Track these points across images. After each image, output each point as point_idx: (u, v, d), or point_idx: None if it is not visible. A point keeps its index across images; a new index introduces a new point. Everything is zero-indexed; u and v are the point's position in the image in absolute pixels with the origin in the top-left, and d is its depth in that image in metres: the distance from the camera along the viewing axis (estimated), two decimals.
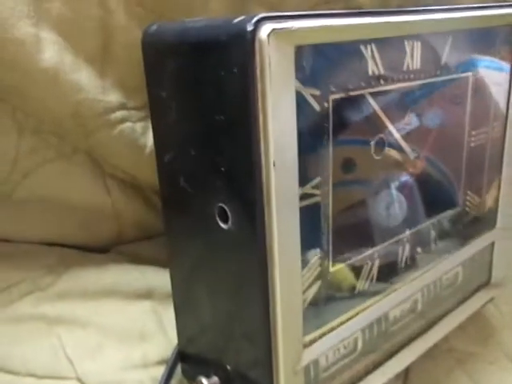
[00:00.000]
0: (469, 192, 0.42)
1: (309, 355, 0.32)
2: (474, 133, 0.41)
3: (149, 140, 0.47)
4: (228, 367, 0.34)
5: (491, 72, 0.40)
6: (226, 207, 0.29)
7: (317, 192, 0.30)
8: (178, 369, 0.40)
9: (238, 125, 0.27)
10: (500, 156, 0.44)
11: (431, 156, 0.38)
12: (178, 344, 0.39)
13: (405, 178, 0.36)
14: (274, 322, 0.29)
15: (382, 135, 0.33)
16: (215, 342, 0.35)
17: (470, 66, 0.38)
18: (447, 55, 0.36)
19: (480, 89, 0.40)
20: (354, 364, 0.37)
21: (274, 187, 0.26)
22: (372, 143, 0.33)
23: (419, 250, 0.39)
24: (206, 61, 0.28)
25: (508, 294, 0.49)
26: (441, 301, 0.43)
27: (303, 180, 0.28)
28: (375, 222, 0.35)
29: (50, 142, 0.46)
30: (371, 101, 0.32)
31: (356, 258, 0.34)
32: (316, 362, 0.33)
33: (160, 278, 0.47)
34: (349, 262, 0.34)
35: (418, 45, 0.33)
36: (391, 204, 0.36)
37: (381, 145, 0.33)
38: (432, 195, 0.39)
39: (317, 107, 0.28)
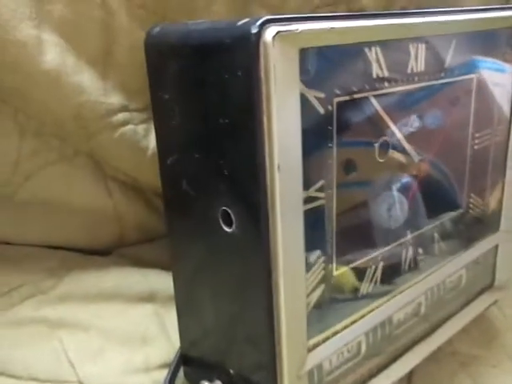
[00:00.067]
0: (472, 195, 0.42)
1: (313, 359, 0.32)
2: (477, 135, 0.40)
3: (151, 142, 0.47)
4: (231, 371, 0.34)
5: (495, 74, 0.40)
6: (229, 211, 0.29)
7: (321, 195, 0.30)
8: (181, 372, 0.39)
9: (242, 128, 0.27)
10: (504, 158, 0.43)
11: (435, 158, 0.37)
12: (181, 347, 0.39)
13: (409, 180, 0.36)
14: (278, 326, 0.29)
15: (386, 138, 0.33)
16: (218, 346, 0.35)
17: (473, 68, 0.38)
18: (451, 57, 0.36)
19: (483, 91, 0.40)
20: (358, 368, 0.36)
21: (279, 190, 0.26)
22: (376, 146, 0.33)
23: (423, 252, 0.39)
24: (209, 63, 0.28)
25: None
26: (444, 304, 0.43)
27: (307, 183, 0.28)
28: (378, 225, 0.35)
29: (52, 145, 0.46)
30: (375, 103, 0.31)
31: (360, 261, 0.34)
32: (320, 366, 0.33)
33: (162, 281, 0.47)
34: (352, 265, 0.33)
35: (422, 47, 0.33)
36: (395, 207, 0.36)
37: (385, 147, 0.33)
38: (436, 198, 0.39)
39: (321, 110, 0.28)
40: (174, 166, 0.33)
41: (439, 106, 0.37)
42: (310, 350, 0.31)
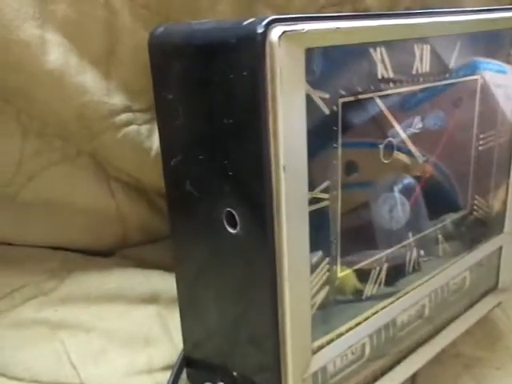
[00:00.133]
0: (477, 196, 0.42)
1: (317, 362, 0.31)
2: (482, 136, 0.40)
3: (154, 143, 0.47)
4: (234, 373, 0.33)
5: (499, 75, 0.40)
6: (234, 212, 0.29)
7: (325, 196, 0.29)
8: (184, 374, 0.39)
9: (247, 128, 0.26)
10: (508, 159, 0.43)
11: (439, 160, 0.37)
12: (184, 349, 0.39)
13: (411, 181, 0.36)
14: (283, 328, 0.29)
15: (390, 139, 0.33)
16: (221, 348, 0.35)
17: (478, 68, 0.38)
18: (456, 58, 0.35)
19: (488, 92, 0.40)
20: (362, 370, 0.36)
21: (284, 191, 0.26)
22: (381, 147, 0.32)
23: (427, 254, 0.38)
24: (214, 63, 0.28)
25: None
26: (448, 306, 0.43)
27: (312, 184, 0.28)
28: (382, 227, 0.35)
29: (55, 145, 0.46)
30: (380, 104, 0.31)
31: (364, 263, 0.34)
32: (324, 369, 0.33)
33: (165, 282, 0.47)
34: (357, 266, 0.33)
35: (427, 48, 0.33)
36: (398, 208, 0.35)
37: (390, 148, 0.33)
38: (439, 199, 0.39)
39: (326, 110, 0.28)
40: (178, 166, 0.33)
41: (444, 107, 0.36)
42: (314, 352, 0.31)
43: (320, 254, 0.30)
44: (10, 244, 0.50)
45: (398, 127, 0.33)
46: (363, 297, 0.34)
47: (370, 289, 0.34)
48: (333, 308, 0.32)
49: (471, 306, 0.45)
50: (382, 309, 0.35)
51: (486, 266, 0.46)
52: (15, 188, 0.46)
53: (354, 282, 0.34)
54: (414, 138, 0.34)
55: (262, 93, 0.25)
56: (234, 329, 0.33)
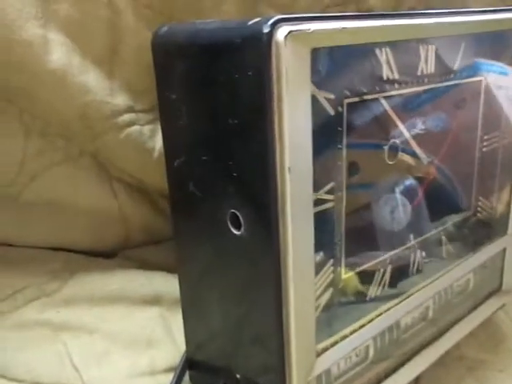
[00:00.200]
0: (480, 197, 0.42)
1: (321, 364, 0.31)
2: (486, 137, 0.40)
3: (157, 143, 0.46)
4: (237, 375, 0.33)
5: (501, 77, 0.40)
6: (238, 213, 0.29)
7: (330, 197, 0.29)
8: (186, 376, 0.39)
9: (252, 128, 0.26)
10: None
11: (444, 161, 0.37)
12: (187, 351, 0.38)
13: (415, 183, 0.36)
14: (288, 330, 0.28)
15: (395, 140, 0.33)
16: (224, 350, 0.34)
17: (482, 69, 0.38)
18: (461, 59, 0.35)
19: (492, 93, 0.39)
20: (366, 372, 0.36)
21: (289, 193, 0.26)
22: (386, 148, 0.32)
23: (430, 256, 0.38)
24: (218, 63, 0.27)
25: None
26: (452, 308, 0.42)
27: (316, 185, 0.28)
28: (387, 228, 0.35)
29: (57, 145, 0.46)
30: (385, 105, 0.31)
31: (368, 265, 0.34)
32: (328, 371, 0.33)
33: (168, 284, 0.47)
34: (361, 268, 0.33)
35: (432, 49, 0.33)
36: (400, 209, 0.35)
37: (394, 149, 0.33)
38: (444, 201, 0.39)
39: (331, 111, 0.28)
40: (181, 167, 0.33)
41: (448, 108, 0.36)
42: (318, 354, 0.31)
43: (324, 255, 0.30)
44: (12, 245, 0.50)
45: (402, 128, 0.33)
46: (367, 299, 0.34)
47: (374, 291, 0.34)
48: (337, 310, 0.32)
49: (475, 308, 0.45)
50: (386, 311, 0.35)
51: (490, 268, 0.45)
52: (17, 188, 0.46)
53: (357, 283, 0.33)
54: (418, 139, 0.34)
55: (268, 93, 0.24)
56: (237, 330, 0.33)
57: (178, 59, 0.30)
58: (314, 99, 0.26)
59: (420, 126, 0.34)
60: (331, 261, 0.31)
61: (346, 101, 0.29)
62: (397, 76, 0.31)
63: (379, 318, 0.35)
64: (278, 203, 0.26)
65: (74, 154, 0.47)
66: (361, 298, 0.34)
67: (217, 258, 0.32)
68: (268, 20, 0.24)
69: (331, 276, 0.31)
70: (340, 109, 0.28)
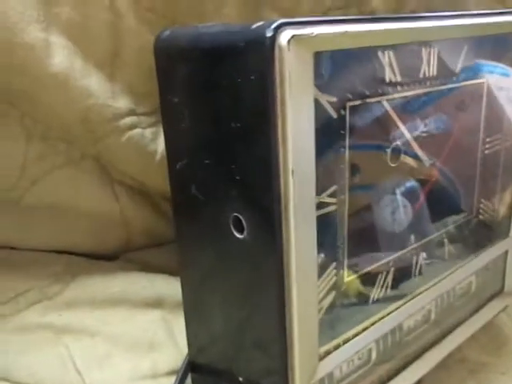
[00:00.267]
0: (482, 200, 0.42)
1: (324, 367, 0.31)
2: (488, 140, 0.40)
3: (159, 146, 0.46)
4: (240, 379, 0.33)
5: (505, 78, 0.40)
6: (241, 217, 0.29)
7: (333, 200, 0.29)
8: (189, 379, 0.39)
9: (255, 132, 0.26)
10: None
11: (446, 163, 0.37)
12: (189, 354, 0.38)
13: (416, 185, 0.36)
14: (291, 333, 0.28)
15: (398, 142, 0.33)
16: (227, 353, 0.34)
17: (484, 72, 0.38)
18: (463, 62, 0.35)
19: (494, 95, 0.40)
20: (368, 375, 0.36)
21: (292, 196, 0.26)
22: (388, 150, 0.32)
23: (432, 259, 0.38)
24: (221, 67, 0.27)
25: None
26: (454, 310, 0.42)
27: (319, 188, 0.28)
28: (389, 231, 0.35)
29: (59, 148, 0.46)
30: (388, 108, 0.31)
31: (371, 267, 0.34)
32: (330, 374, 0.33)
33: (170, 287, 0.46)
34: (363, 271, 0.33)
35: (434, 52, 0.33)
36: (404, 211, 0.35)
37: (397, 152, 0.33)
38: (446, 203, 0.39)
39: (334, 114, 0.28)
40: (184, 170, 0.32)
41: (450, 110, 0.36)
42: (321, 357, 0.31)
43: (327, 258, 0.30)
44: (13, 248, 0.50)
45: (405, 131, 0.33)
46: (370, 301, 0.34)
47: (376, 293, 0.34)
48: (339, 313, 0.32)
49: (477, 310, 0.45)
50: (388, 314, 0.35)
51: (492, 271, 0.45)
52: (19, 192, 0.46)
53: (360, 286, 0.33)
54: (420, 141, 0.34)
55: (271, 97, 0.24)
56: (239, 334, 0.33)
57: (181, 63, 0.30)
58: (317, 102, 0.26)
59: (422, 128, 0.34)
60: (334, 264, 0.31)
61: (349, 104, 0.28)
62: (399, 79, 0.31)
63: (382, 320, 0.35)
64: (280, 207, 0.26)
65: (75, 157, 0.47)
66: (363, 300, 0.34)
67: (219, 261, 0.32)
68: (271, 24, 0.24)
69: (334, 279, 0.31)
70: (343, 112, 0.28)
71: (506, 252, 0.46)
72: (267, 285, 0.28)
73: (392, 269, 0.35)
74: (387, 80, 0.30)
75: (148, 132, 0.46)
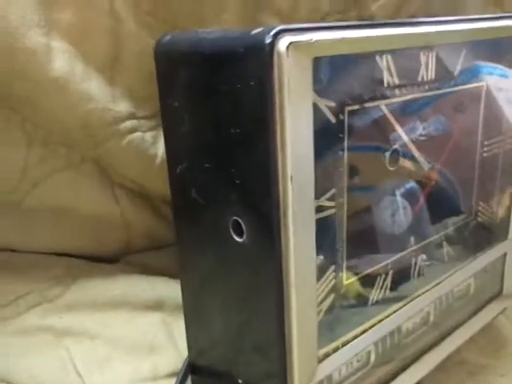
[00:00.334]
0: (481, 202, 0.42)
1: (323, 370, 0.31)
2: (486, 143, 0.40)
3: (159, 150, 0.47)
4: (239, 381, 0.33)
5: (504, 81, 0.40)
6: (240, 220, 0.29)
7: (331, 204, 0.29)
8: (189, 382, 0.39)
9: (254, 137, 0.26)
10: None
11: (444, 167, 0.37)
12: (189, 356, 0.38)
13: (416, 186, 0.36)
14: (290, 336, 0.29)
15: (396, 146, 0.33)
16: (227, 355, 0.35)
17: (483, 75, 0.38)
18: (461, 65, 0.35)
19: (493, 96, 0.40)
20: (367, 377, 0.36)
21: (291, 200, 0.26)
22: (387, 154, 0.32)
23: (431, 261, 0.38)
24: (221, 72, 0.28)
25: None
26: (453, 312, 0.43)
27: (318, 192, 0.28)
28: (388, 234, 0.35)
29: (59, 152, 0.46)
30: (386, 112, 0.31)
31: (370, 270, 0.34)
32: (329, 377, 0.33)
33: (170, 289, 0.47)
34: (363, 273, 0.33)
35: (433, 56, 0.33)
36: (401, 213, 0.35)
37: (395, 155, 0.33)
38: (444, 206, 0.39)
39: (332, 119, 0.28)
40: (184, 173, 0.33)
41: (449, 114, 0.36)
42: (320, 360, 0.31)
43: (326, 261, 0.30)
44: (14, 251, 0.50)
45: (403, 135, 0.33)
46: (369, 304, 0.34)
47: (375, 296, 0.34)
48: (338, 315, 0.32)
49: (476, 312, 0.45)
50: (387, 316, 0.35)
51: (491, 273, 0.46)
52: (20, 195, 0.46)
53: (359, 289, 0.33)
54: (419, 144, 0.34)
55: (270, 103, 0.25)
56: (239, 336, 0.33)
57: (181, 67, 0.30)
58: (316, 107, 0.27)
59: (421, 132, 0.34)
60: (333, 267, 0.31)
61: (348, 108, 0.29)
62: (397, 82, 0.31)
63: (381, 323, 0.35)
64: (280, 211, 0.26)
65: (75, 160, 0.47)
66: (362, 302, 0.34)
67: (219, 264, 0.32)
68: (270, 30, 0.24)
69: (333, 282, 0.31)
70: (341, 116, 0.28)
71: (505, 254, 0.46)
72: (266, 288, 0.29)
73: (391, 271, 0.35)
74: (385, 84, 0.30)
75: (148, 136, 0.46)
